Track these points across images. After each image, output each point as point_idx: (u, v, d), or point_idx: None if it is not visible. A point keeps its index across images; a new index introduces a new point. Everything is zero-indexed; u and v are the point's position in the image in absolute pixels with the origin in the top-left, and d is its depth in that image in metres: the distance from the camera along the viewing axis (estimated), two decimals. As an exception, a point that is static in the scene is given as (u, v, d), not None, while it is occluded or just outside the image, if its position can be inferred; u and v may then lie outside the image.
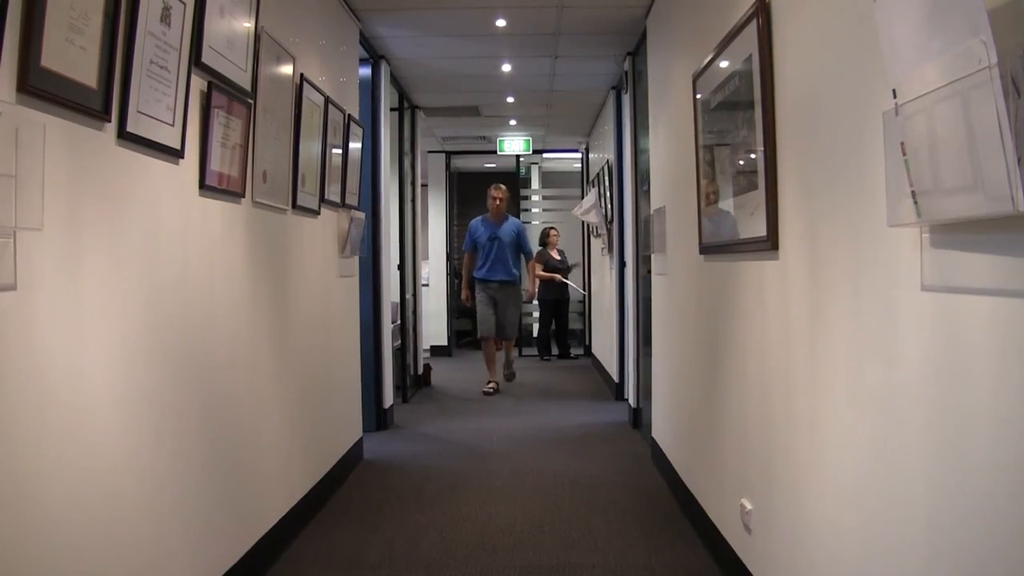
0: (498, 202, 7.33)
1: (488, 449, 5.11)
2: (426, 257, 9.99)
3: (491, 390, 7.16)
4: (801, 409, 2.16)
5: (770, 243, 2.36)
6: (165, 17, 2.17)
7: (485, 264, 7.29)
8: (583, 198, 8.54)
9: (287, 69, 3.31)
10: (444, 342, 10.18)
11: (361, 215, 4.59)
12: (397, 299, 6.76)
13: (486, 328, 7.25)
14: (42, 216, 1.65)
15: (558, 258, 9.37)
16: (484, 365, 7.45)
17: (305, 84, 3.53)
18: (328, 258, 4.09)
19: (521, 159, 10.06)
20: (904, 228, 1.50)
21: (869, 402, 1.73)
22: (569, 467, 4.57)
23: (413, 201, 7.50)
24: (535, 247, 8.64)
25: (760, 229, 2.43)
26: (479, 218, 7.43)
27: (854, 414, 1.81)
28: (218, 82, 2.56)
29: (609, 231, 7.01)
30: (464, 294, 7.49)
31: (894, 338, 1.60)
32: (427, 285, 9.68)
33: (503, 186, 7.47)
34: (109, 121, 1.94)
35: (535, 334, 9.98)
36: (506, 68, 6.26)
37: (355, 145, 4.49)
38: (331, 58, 4.18)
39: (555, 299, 9.33)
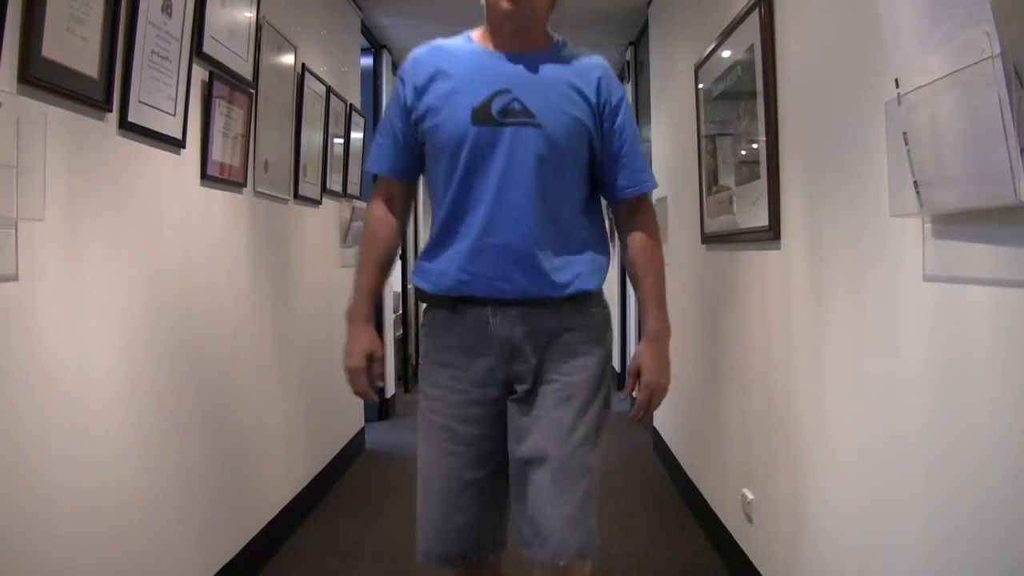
0: None
1: (490, 439, 5.11)
2: (428, 247, 9.98)
3: None
4: (802, 398, 2.17)
5: (772, 233, 2.36)
6: (166, 7, 2.16)
7: (458, 220, 1.63)
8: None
9: (288, 59, 3.31)
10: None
11: (363, 205, 4.59)
12: (399, 289, 6.76)
13: (434, 528, 1.67)
14: (43, 207, 1.65)
15: None
16: None
17: (307, 74, 3.53)
18: (330, 247, 4.09)
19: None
20: (906, 218, 1.50)
21: (870, 391, 1.73)
22: (571, 457, 4.57)
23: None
24: None
25: (762, 219, 2.43)
26: (440, 43, 1.69)
27: (855, 403, 1.81)
28: (219, 72, 2.56)
29: (611, 220, 7.00)
30: (353, 360, 1.73)
31: (896, 328, 1.60)
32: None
33: None
34: (110, 111, 1.93)
35: None
36: (508, 57, 6.24)
37: (357, 135, 4.49)
38: (333, 48, 4.17)
39: None
